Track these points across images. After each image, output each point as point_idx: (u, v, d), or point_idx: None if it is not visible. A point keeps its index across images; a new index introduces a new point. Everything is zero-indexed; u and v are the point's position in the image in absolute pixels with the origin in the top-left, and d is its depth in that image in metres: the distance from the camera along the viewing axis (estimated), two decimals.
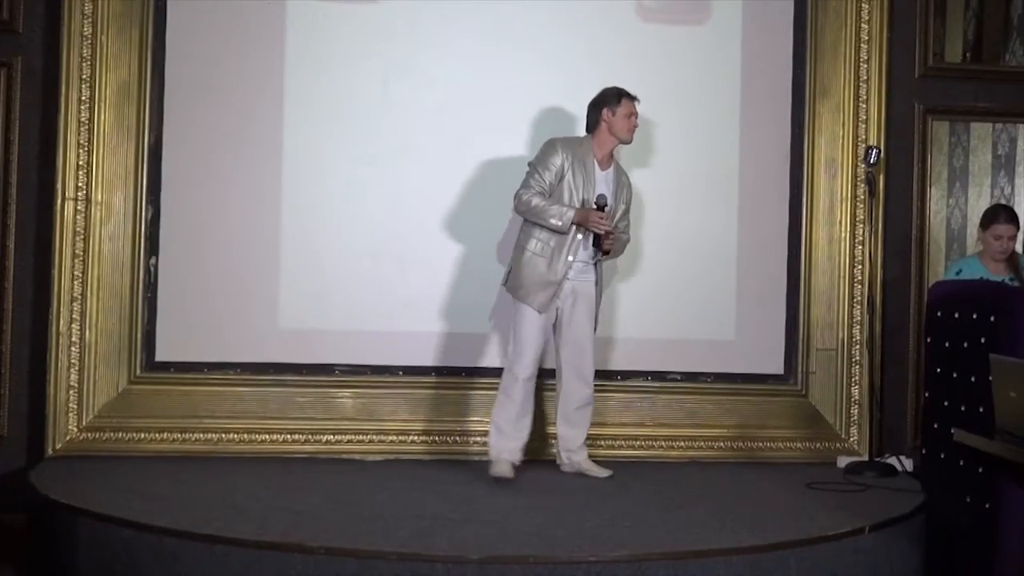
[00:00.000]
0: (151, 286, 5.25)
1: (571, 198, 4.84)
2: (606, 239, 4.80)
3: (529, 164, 4.94)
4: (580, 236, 4.84)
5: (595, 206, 4.79)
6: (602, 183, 4.89)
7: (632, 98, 4.93)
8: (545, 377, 5.13)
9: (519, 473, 4.95)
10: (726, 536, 3.98)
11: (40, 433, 5.12)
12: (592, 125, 4.94)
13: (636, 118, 4.93)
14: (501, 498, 4.51)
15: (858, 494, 4.76)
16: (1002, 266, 5.15)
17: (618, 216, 4.96)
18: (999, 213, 5.16)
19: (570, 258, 4.84)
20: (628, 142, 4.97)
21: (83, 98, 5.16)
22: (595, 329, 5.00)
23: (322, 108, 5.34)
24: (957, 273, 5.18)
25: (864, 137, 5.53)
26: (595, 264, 4.94)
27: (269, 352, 5.29)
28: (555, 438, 5.13)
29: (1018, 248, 5.20)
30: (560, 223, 4.78)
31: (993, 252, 5.14)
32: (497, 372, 5.33)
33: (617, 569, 3.67)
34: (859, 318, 5.52)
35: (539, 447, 5.25)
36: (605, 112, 4.90)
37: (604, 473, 4.96)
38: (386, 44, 5.38)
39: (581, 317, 4.93)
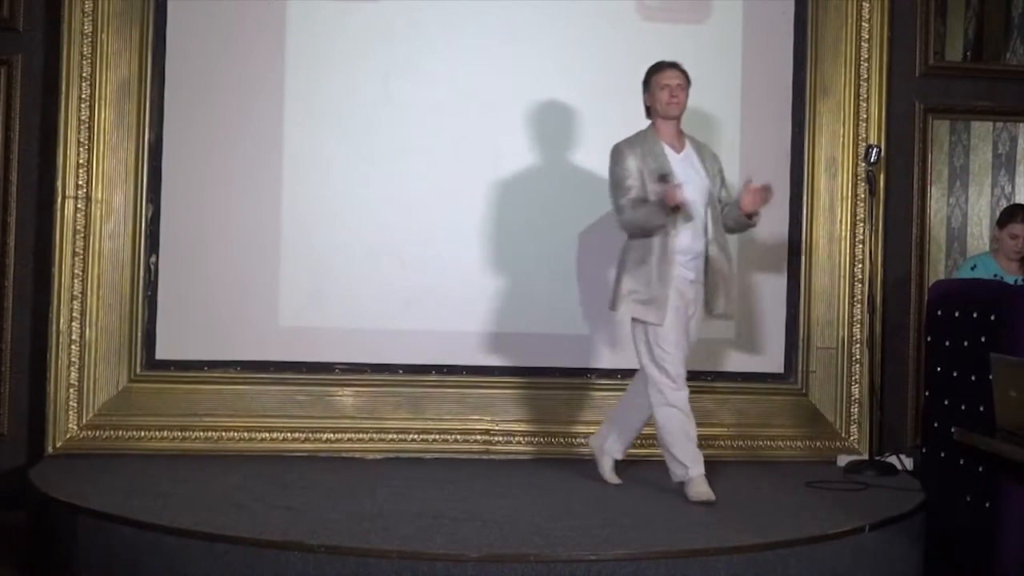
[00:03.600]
0: (151, 284, 5.25)
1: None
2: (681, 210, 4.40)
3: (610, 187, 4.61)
4: (684, 225, 4.49)
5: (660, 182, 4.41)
6: (680, 166, 4.53)
7: (661, 68, 4.57)
8: (555, 376, 5.13)
9: (519, 472, 4.96)
10: (726, 535, 3.97)
11: (40, 431, 5.12)
12: (647, 112, 4.64)
13: (675, 88, 4.53)
14: (501, 497, 4.51)
15: (858, 493, 4.76)
16: (1015, 265, 5.23)
17: (719, 193, 4.62)
18: (1016, 213, 5.25)
19: (671, 256, 4.46)
20: (672, 117, 4.58)
21: (83, 96, 5.15)
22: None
23: (322, 106, 5.34)
24: (972, 268, 5.24)
25: (864, 136, 5.53)
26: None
27: (269, 350, 5.29)
28: (560, 437, 5.17)
29: None
30: (660, 219, 4.41)
31: (1008, 251, 5.23)
32: (497, 370, 5.35)
33: (617, 569, 3.66)
34: (859, 317, 5.51)
35: (539, 446, 5.27)
36: (646, 97, 4.61)
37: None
38: (386, 42, 5.37)
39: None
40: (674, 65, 4.61)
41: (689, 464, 4.47)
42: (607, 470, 4.80)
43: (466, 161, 5.38)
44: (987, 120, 5.80)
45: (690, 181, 4.50)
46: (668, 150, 4.56)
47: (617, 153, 4.57)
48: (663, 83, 4.56)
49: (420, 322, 5.33)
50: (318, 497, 4.41)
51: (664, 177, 4.42)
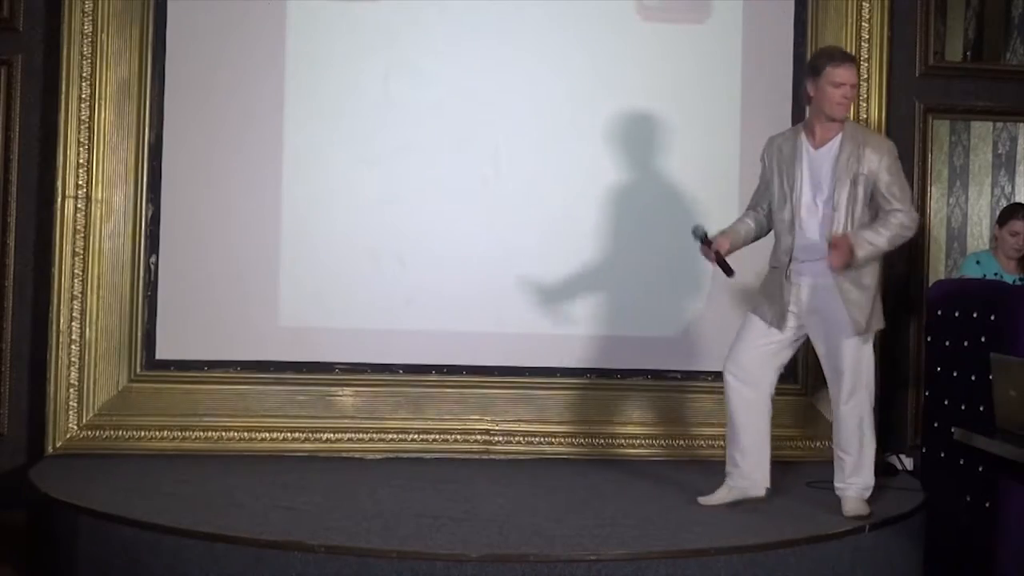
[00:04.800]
0: (151, 284, 5.25)
1: (781, 195, 4.23)
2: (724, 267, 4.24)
3: None
4: (798, 225, 4.19)
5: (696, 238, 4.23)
6: (805, 166, 4.18)
7: (838, 61, 4.09)
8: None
9: (519, 472, 4.96)
10: (726, 535, 3.98)
11: (40, 431, 5.12)
12: (806, 99, 4.23)
13: (850, 89, 4.08)
14: (501, 497, 4.51)
15: None
16: (1013, 264, 5.25)
17: (862, 195, 4.12)
18: (1017, 211, 5.27)
19: (785, 258, 4.23)
20: (836, 118, 4.13)
21: (83, 96, 5.15)
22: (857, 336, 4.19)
23: (322, 106, 5.33)
24: (977, 263, 5.26)
25: None
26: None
27: (269, 350, 5.29)
28: (560, 437, 5.21)
29: None
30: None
31: (1007, 249, 5.25)
32: (497, 370, 5.35)
33: (617, 568, 3.67)
34: None
35: (539, 446, 5.27)
36: (808, 85, 4.17)
37: (859, 511, 4.26)
38: (386, 42, 5.37)
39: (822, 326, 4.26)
40: (852, 60, 4.19)
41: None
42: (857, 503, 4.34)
43: (466, 160, 5.38)
44: (987, 120, 5.80)
45: (810, 180, 4.19)
46: (806, 143, 4.20)
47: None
48: (839, 80, 4.09)
49: (420, 322, 5.33)
50: (318, 497, 4.41)
51: (699, 235, 4.25)
